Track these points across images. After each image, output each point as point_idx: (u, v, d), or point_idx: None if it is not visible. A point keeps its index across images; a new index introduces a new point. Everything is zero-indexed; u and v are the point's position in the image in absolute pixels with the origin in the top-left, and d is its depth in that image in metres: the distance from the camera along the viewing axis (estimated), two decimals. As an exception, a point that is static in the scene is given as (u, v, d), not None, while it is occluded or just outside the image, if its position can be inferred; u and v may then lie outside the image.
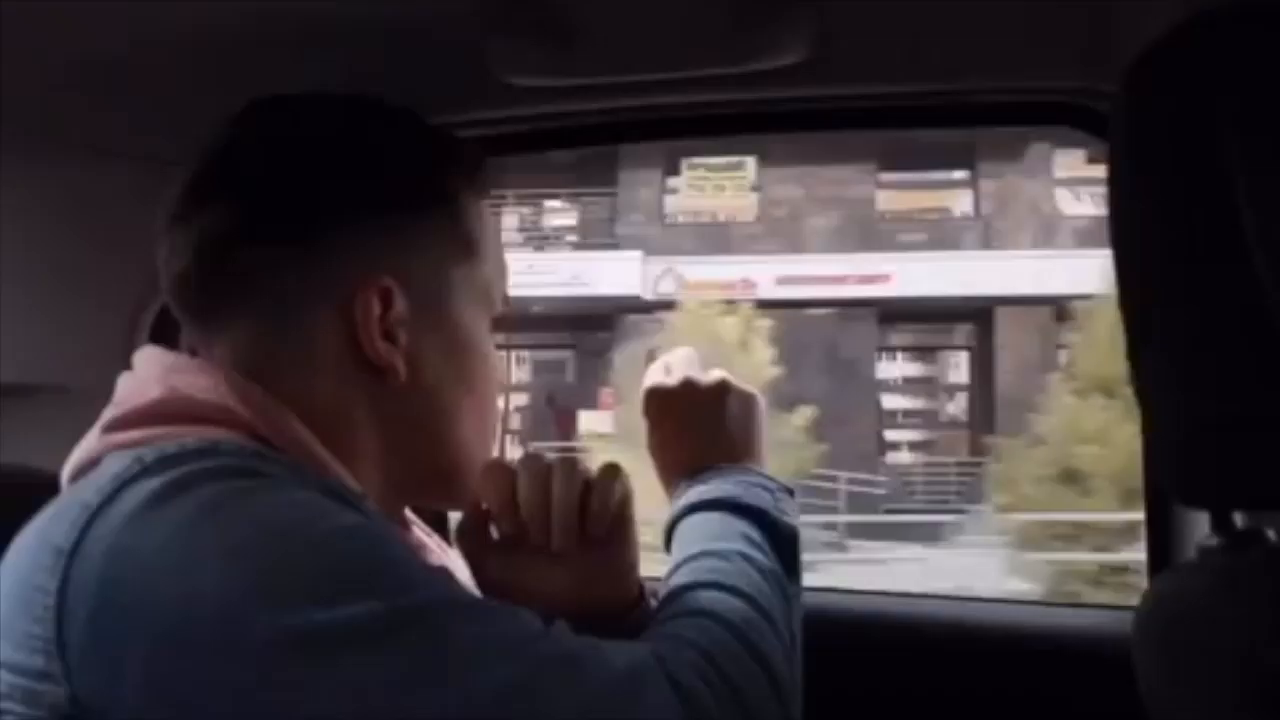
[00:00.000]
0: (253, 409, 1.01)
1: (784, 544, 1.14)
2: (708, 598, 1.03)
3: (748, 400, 1.29)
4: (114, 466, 0.91)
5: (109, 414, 1.03)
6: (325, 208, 1.10)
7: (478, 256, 1.17)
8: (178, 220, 1.10)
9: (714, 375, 1.30)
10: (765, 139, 16.36)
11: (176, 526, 0.84)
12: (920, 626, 1.86)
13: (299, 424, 1.03)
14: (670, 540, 1.19)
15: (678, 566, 1.12)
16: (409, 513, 1.24)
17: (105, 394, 1.07)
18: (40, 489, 0.96)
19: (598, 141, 1.86)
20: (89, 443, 1.02)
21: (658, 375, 1.31)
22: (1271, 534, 0.99)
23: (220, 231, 1.08)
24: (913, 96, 1.67)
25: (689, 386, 1.28)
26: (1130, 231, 0.97)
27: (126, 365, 1.09)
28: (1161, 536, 1.66)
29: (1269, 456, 0.86)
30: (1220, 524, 1.06)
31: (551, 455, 1.15)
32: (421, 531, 1.24)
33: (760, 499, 1.18)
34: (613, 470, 1.14)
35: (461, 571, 1.17)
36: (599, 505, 1.12)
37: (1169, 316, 0.94)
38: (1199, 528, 1.54)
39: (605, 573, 1.16)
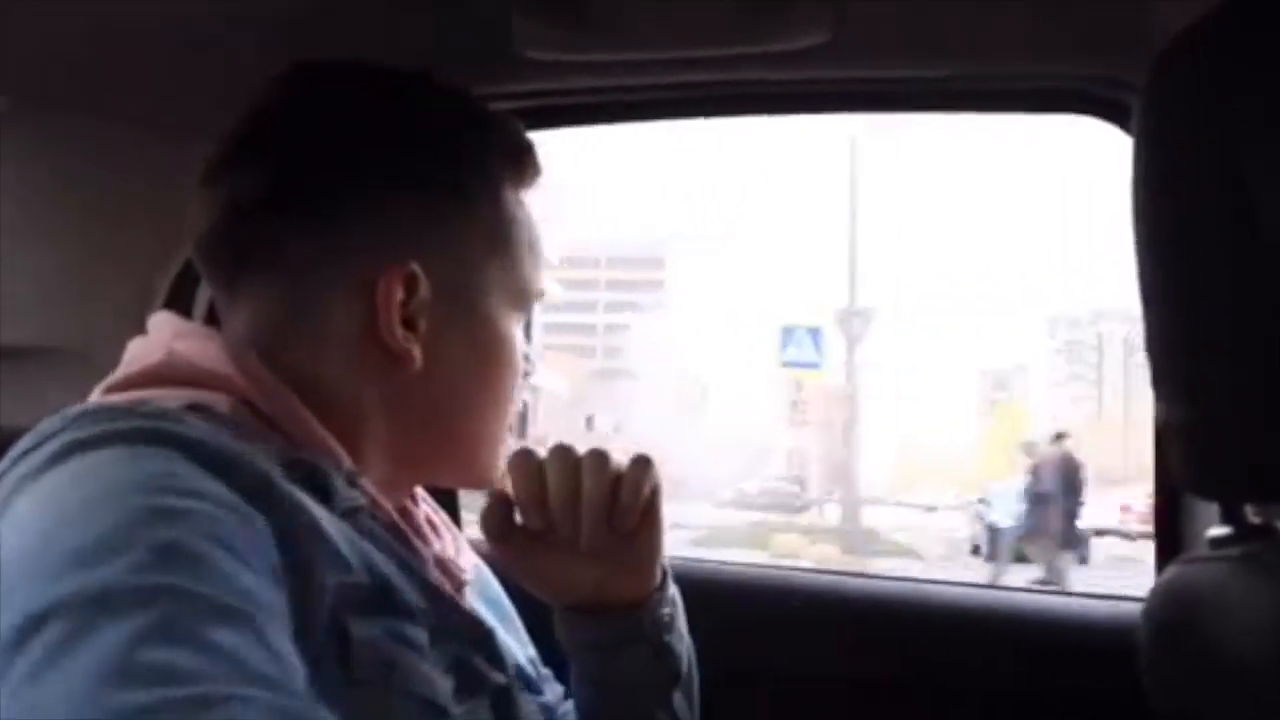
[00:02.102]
0: (248, 376, 0.99)
1: None
2: None
3: None
4: (65, 413, 0.89)
5: (114, 374, 1.03)
6: (356, 182, 1.06)
7: (513, 247, 1.13)
8: (208, 180, 1.08)
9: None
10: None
11: (35, 499, 0.81)
12: (919, 611, 1.86)
13: (293, 396, 1.01)
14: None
15: None
16: (420, 490, 1.21)
17: (118, 358, 1.07)
18: None
19: (616, 119, 1.84)
20: (92, 401, 1.01)
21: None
22: (1282, 526, 0.99)
23: (248, 196, 1.06)
24: (931, 81, 1.66)
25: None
26: (1151, 224, 0.97)
27: (142, 329, 1.09)
28: (1171, 528, 1.66)
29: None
30: (1231, 516, 1.06)
31: (581, 448, 1.16)
32: (429, 507, 1.21)
33: None
34: (644, 463, 1.15)
35: (466, 555, 1.18)
36: (629, 499, 1.14)
37: (1187, 309, 0.93)
38: (1207, 520, 1.54)
39: (630, 564, 1.19)
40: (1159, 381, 0.99)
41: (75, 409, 0.89)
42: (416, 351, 1.05)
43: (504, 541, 1.17)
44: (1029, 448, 15.43)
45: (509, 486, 1.16)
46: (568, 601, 1.21)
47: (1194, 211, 0.91)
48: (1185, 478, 1.01)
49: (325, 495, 0.94)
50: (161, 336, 1.05)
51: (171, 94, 1.54)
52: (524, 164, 1.15)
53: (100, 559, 0.72)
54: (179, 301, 1.72)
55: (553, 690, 1.22)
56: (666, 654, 1.21)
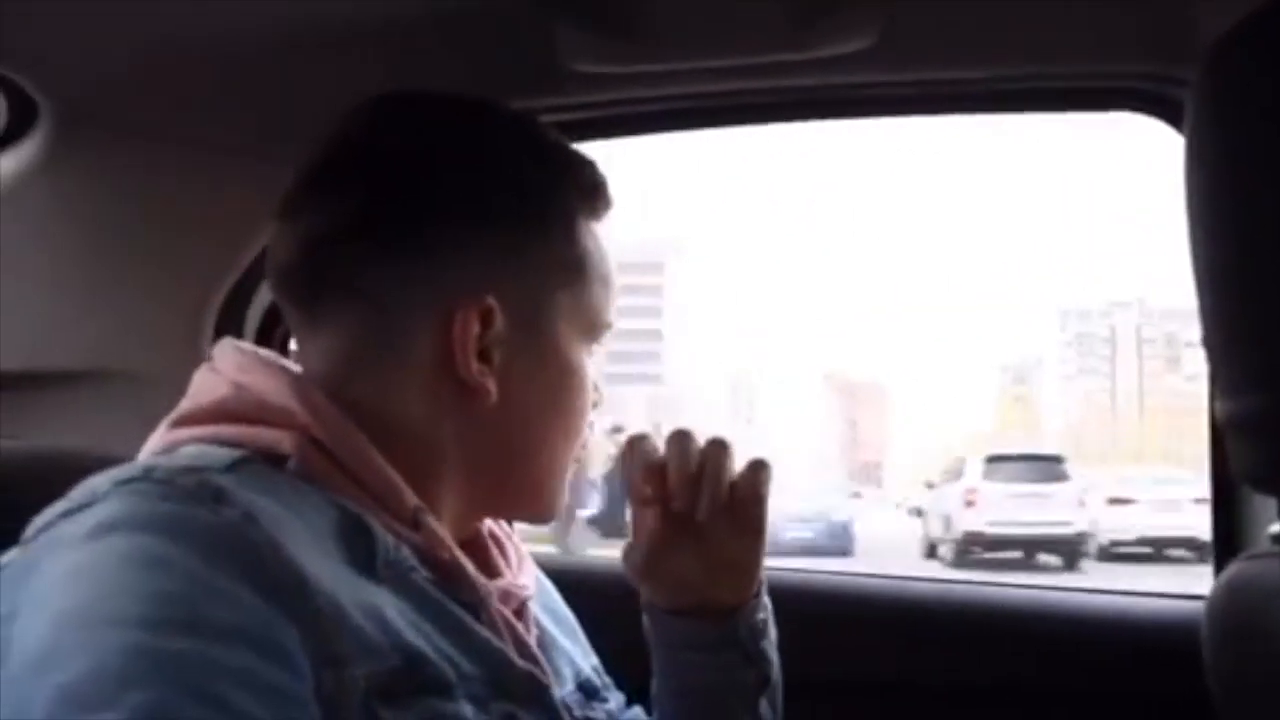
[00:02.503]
0: (314, 414, 0.99)
1: None
2: None
3: None
4: (113, 474, 0.89)
5: (180, 408, 1.04)
6: (435, 213, 1.06)
7: (585, 279, 1.12)
8: (287, 212, 1.08)
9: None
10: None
11: (49, 580, 0.82)
12: (967, 612, 1.86)
13: (360, 435, 1.00)
14: None
15: None
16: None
17: (173, 379, 1.07)
18: None
19: (663, 129, 1.82)
20: (156, 436, 1.03)
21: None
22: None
23: (326, 228, 1.05)
24: (980, 82, 1.65)
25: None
26: (1208, 219, 0.96)
27: (193, 351, 1.11)
28: (1229, 524, 1.64)
29: None
30: None
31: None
32: (501, 535, 1.21)
33: None
34: (762, 464, 1.18)
35: (528, 568, 1.18)
36: (750, 491, 1.17)
37: (1245, 302, 0.93)
38: (1267, 515, 1.53)
39: (738, 565, 1.21)
40: (1219, 374, 0.98)
41: (120, 473, 0.89)
42: (491, 385, 1.05)
43: (642, 526, 1.20)
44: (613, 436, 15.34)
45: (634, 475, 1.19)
46: (676, 602, 1.22)
47: (1256, 201, 0.90)
48: (1247, 471, 0.99)
49: (369, 555, 0.94)
50: (226, 368, 1.05)
51: (223, 115, 1.54)
52: (597, 196, 1.14)
53: (79, 714, 0.74)
54: (230, 322, 1.73)
55: (615, 698, 1.22)
56: (759, 659, 1.23)
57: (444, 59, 1.38)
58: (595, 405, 1.16)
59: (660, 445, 1.19)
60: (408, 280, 1.05)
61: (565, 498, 1.16)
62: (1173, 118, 1.58)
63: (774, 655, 1.25)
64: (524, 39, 1.42)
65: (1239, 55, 0.92)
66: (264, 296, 1.76)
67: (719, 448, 1.16)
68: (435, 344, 1.04)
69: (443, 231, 1.06)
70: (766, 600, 1.26)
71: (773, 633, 1.26)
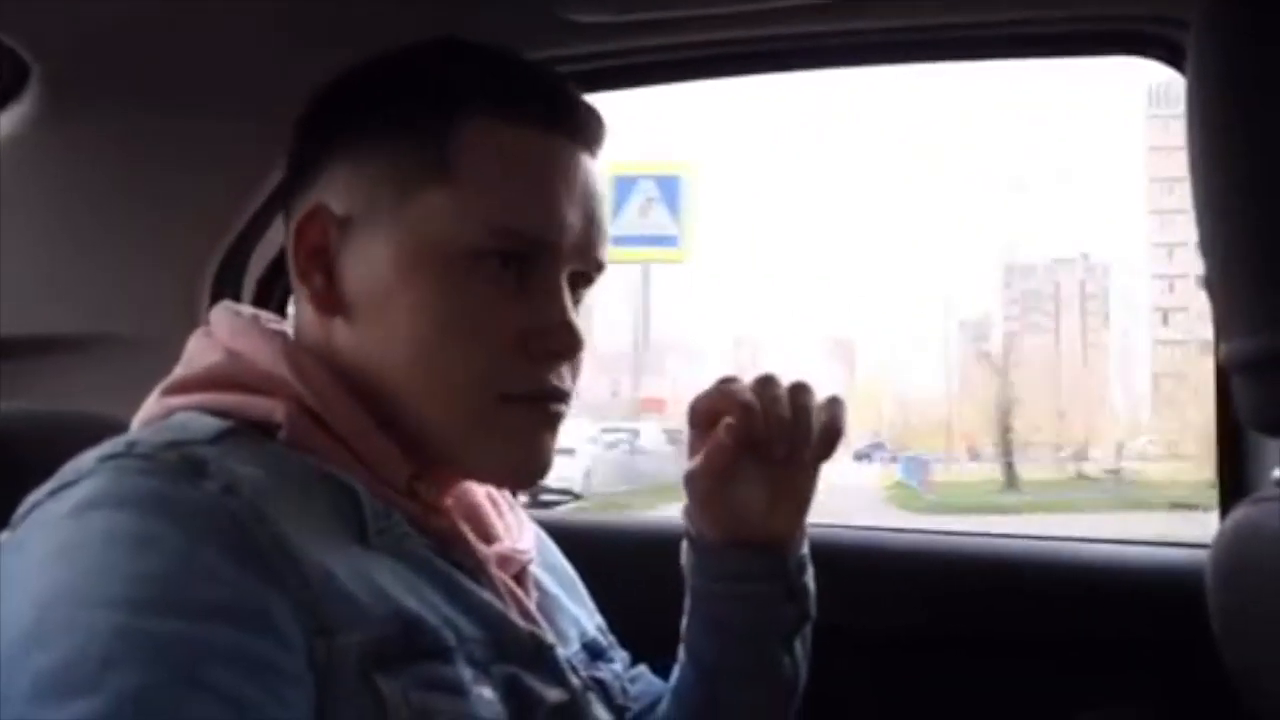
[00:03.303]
0: (305, 381, 0.98)
1: None
2: None
3: None
4: (98, 451, 0.89)
5: (174, 375, 1.03)
6: (309, 146, 1.06)
7: (466, 179, 1.00)
8: None
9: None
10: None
11: (34, 560, 0.82)
12: (974, 563, 1.86)
13: (348, 400, 0.99)
14: None
15: None
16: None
17: (168, 343, 1.07)
18: (109, 436, 0.95)
19: (657, 80, 1.81)
20: (149, 403, 1.02)
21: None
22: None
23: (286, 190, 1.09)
24: (977, 27, 1.63)
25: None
26: (1210, 162, 0.95)
27: (190, 316, 1.10)
28: (1235, 470, 1.64)
29: None
30: None
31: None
32: (502, 499, 1.20)
33: None
34: (838, 402, 1.17)
35: (527, 531, 1.17)
36: (830, 428, 1.15)
37: (1248, 249, 0.92)
38: (1272, 459, 1.53)
39: (794, 498, 1.20)
40: (1222, 316, 0.98)
41: (104, 449, 0.89)
42: (339, 298, 1.02)
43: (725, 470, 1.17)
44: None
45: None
46: (732, 533, 1.20)
47: (1260, 137, 0.89)
48: (1253, 415, 0.99)
49: (361, 523, 0.93)
50: (220, 334, 1.05)
51: (219, 82, 1.53)
52: (494, 92, 1.03)
53: (62, 697, 0.73)
54: (227, 284, 1.72)
55: (620, 657, 1.22)
56: (802, 595, 1.23)
57: (440, 14, 1.37)
58: (560, 348, 1.04)
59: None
60: (293, 210, 1.05)
61: (521, 457, 1.05)
62: (1172, 59, 1.57)
63: (813, 591, 1.25)
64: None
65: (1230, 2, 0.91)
66: (261, 257, 1.76)
67: (805, 392, 1.15)
68: (294, 264, 1.03)
69: (312, 151, 1.05)
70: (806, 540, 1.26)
71: (811, 572, 1.25)
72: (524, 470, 1.06)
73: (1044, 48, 1.71)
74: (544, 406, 1.04)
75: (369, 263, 1.01)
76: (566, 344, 1.03)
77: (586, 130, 1.06)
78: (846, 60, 1.75)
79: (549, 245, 1.02)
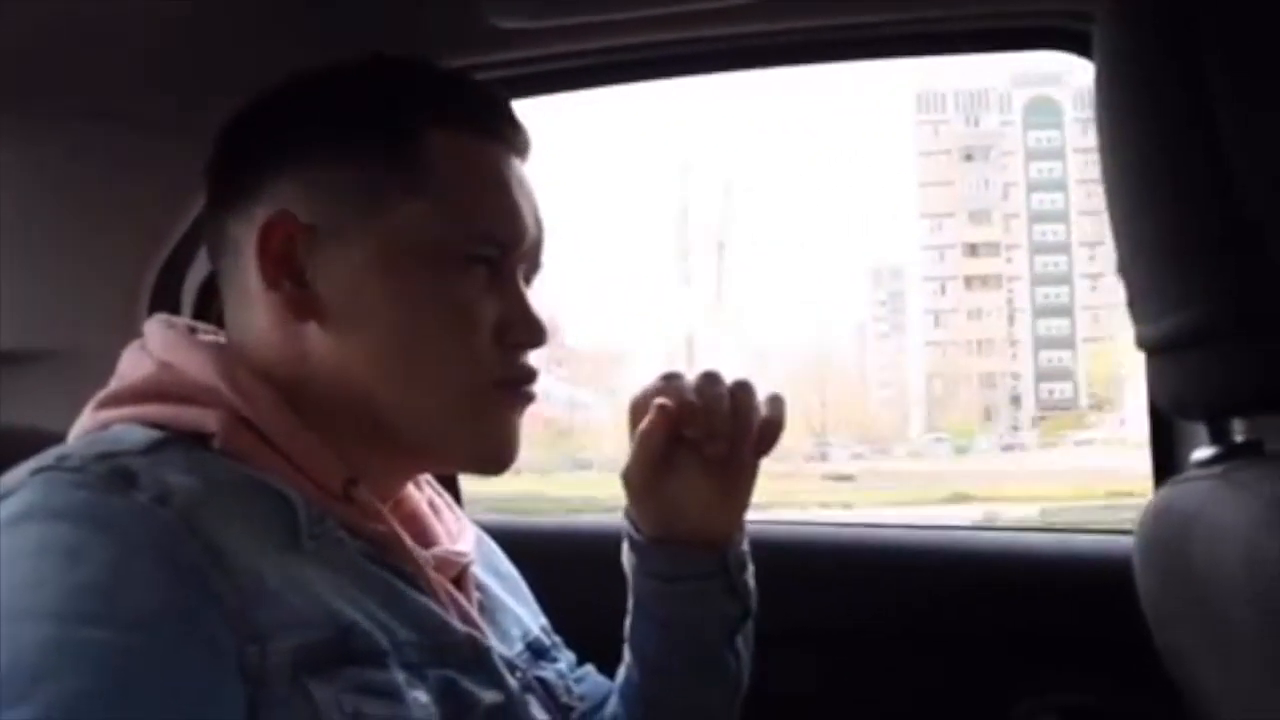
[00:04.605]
0: (238, 391, 1.00)
1: None
2: None
3: None
4: (31, 464, 0.90)
5: (108, 388, 1.04)
6: (251, 150, 1.08)
7: (436, 189, 1.05)
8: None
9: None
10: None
11: None
12: (917, 554, 1.89)
13: (282, 408, 1.01)
14: None
15: None
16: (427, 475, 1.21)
17: (108, 356, 1.08)
18: (49, 449, 0.95)
19: (596, 83, 1.82)
20: (84, 417, 1.03)
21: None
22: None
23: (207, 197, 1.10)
24: (899, 24, 1.66)
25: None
26: (1118, 150, 0.98)
27: (128, 328, 1.10)
28: (1164, 456, 1.68)
29: (1255, 362, 0.87)
30: (1218, 436, 1.06)
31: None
32: (432, 490, 1.22)
33: None
34: (779, 401, 1.19)
35: (467, 534, 1.18)
36: (773, 427, 1.17)
37: (1155, 232, 0.94)
38: (1200, 443, 1.55)
39: (733, 496, 1.22)
40: (1135, 300, 1.00)
41: (35, 462, 0.90)
42: (314, 302, 1.04)
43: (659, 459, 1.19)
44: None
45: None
46: (669, 529, 1.21)
47: (1157, 136, 0.91)
48: (1166, 398, 1.01)
49: (294, 529, 0.94)
50: (153, 346, 1.06)
51: (152, 92, 1.53)
52: (449, 105, 1.09)
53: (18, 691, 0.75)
54: (166, 297, 1.72)
55: (565, 657, 1.24)
56: (743, 591, 1.24)
57: (368, 20, 1.37)
58: (531, 338, 1.10)
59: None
60: (241, 216, 1.06)
61: (502, 441, 1.10)
62: (1085, 53, 1.59)
63: (753, 588, 1.26)
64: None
65: None
66: (199, 270, 1.76)
67: (747, 391, 1.17)
68: (260, 273, 1.04)
69: (257, 161, 1.07)
70: (746, 536, 1.27)
71: (750, 568, 1.26)
72: (502, 453, 1.10)
73: (964, 44, 1.74)
74: (523, 391, 1.10)
75: (343, 268, 1.04)
76: (536, 334, 1.10)
77: (522, 138, 1.14)
78: (767, 61, 1.76)
79: (514, 246, 1.09)
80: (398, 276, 1.04)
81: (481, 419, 1.08)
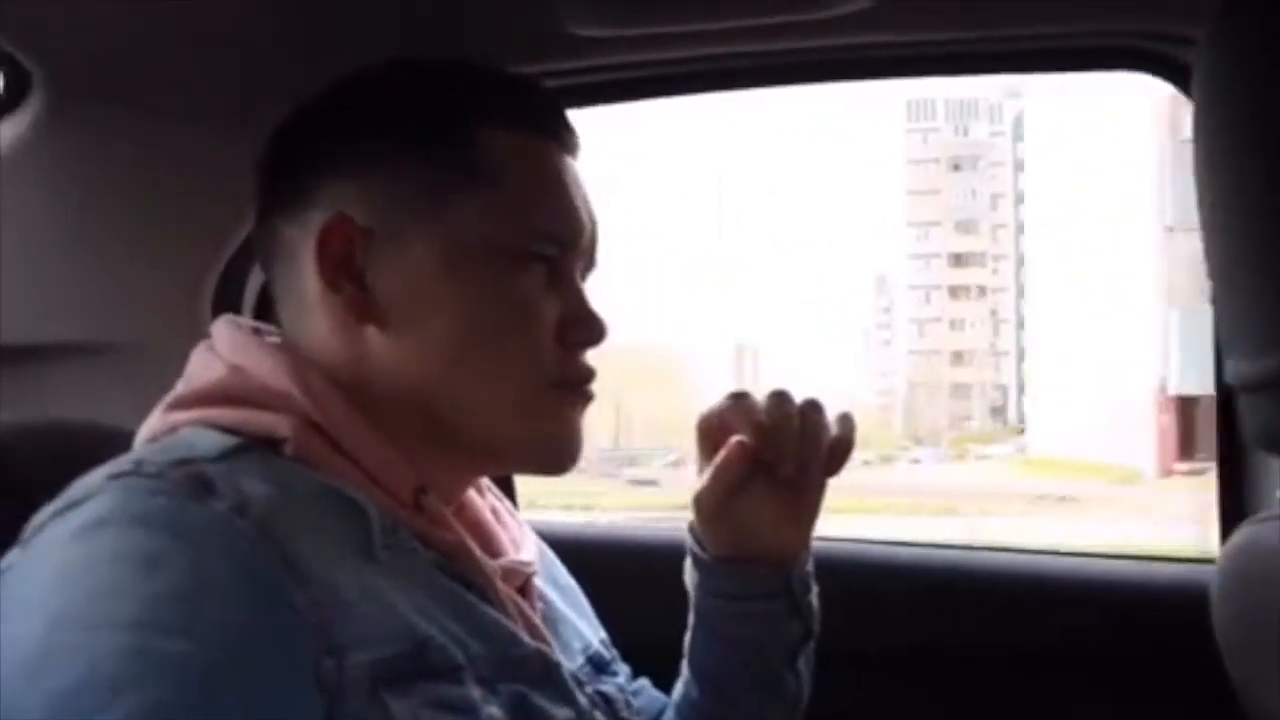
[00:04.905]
0: (310, 396, 0.99)
1: None
2: None
3: None
4: (107, 469, 0.89)
5: (176, 390, 1.03)
6: (308, 157, 1.07)
7: (490, 186, 1.05)
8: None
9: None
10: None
11: (42, 580, 0.81)
12: (974, 579, 1.87)
13: (355, 415, 1.00)
14: None
15: None
16: (487, 481, 1.20)
17: (171, 351, 1.07)
18: (111, 446, 0.96)
19: (665, 93, 1.79)
20: (154, 418, 1.02)
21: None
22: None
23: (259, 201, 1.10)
24: (982, 42, 1.64)
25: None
26: (1217, 181, 0.96)
27: (189, 326, 1.10)
28: (1237, 488, 1.66)
29: None
30: None
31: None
32: (494, 497, 1.21)
33: None
34: (849, 420, 1.18)
35: (529, 543, 1.17)
36: (844, 446, 1.16)
37: (1254, 265, 0.92)
38: (1271, 479, 1.55)
39: (801, 516, 1.21)
40: (1228, 335, 0.98)
41: (112, 468, 0.89)
42: (376, 306, 1.03)
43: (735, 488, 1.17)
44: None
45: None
46: (738, 549, 1.21)
47: (1261, 169, 0.89)
48: (1258, 433, 0.99)
49: (367, 539, 0.94)
50: (222, 348, 1.05)
51: (216, 87, 1.52)
52: (506, 104, 1.09)
53: (74, 718, 0.73)
54: (229, 293, 1.72)
55: (623, 670, 1.22)
56: (807, 612, 1.23)
57: (444, 25, 1.36)
58: (592, 337, 1.10)
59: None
60: (295, 221, 1.05)
61: (565, 440, 1.09)
62: (1174, 77, 1.59)
63: (817, 609, 1.25)
64: (525, 3, 1.40)
65: (1249, 11, 0.91)
66: (260, 273, 1.72)
67: (817, 410, 1.16)
68: (320, 277, 1.03)
69: (312, 163, 1.06)
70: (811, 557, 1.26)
71: (814, 590, 1.26)
72: (565, 453, 1.09)
73: (1047, 63, 1.73)
74: (584, 390, 1.10)
75: (404, 269, 1.03)
76: (596, 332, 1.09)
77: (574, 138, 1.15)
78: (847, 75, 1.74)
79: (573, 244, 1.09)
80: (458, 277, 1.03)
81: (543, 419, 1.07)
